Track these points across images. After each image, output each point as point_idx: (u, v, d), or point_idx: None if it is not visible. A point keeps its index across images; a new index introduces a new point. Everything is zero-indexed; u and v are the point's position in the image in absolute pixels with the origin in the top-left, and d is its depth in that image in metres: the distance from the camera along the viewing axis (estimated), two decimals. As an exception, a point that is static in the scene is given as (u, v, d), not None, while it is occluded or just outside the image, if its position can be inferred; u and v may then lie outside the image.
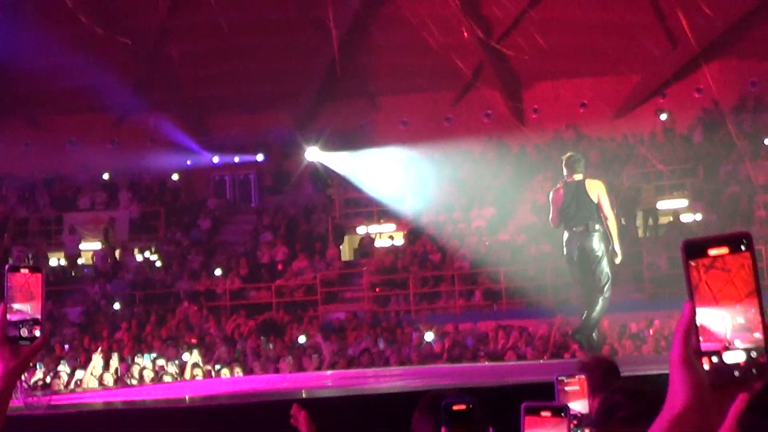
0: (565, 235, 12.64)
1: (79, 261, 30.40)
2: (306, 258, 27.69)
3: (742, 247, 1.83)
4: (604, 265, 12.44)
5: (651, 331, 21.01)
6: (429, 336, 22.67)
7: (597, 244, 12.38)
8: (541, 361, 18.89)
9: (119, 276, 28.42)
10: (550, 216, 12.87)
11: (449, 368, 17.64)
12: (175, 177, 32.47)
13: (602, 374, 5.54)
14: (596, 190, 12.46)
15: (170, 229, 30.65)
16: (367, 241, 29.14)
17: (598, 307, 12.50)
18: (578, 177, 12.60)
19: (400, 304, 26.04)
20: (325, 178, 30.75)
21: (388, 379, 13.76)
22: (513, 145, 30.26)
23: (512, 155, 29.90)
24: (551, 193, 12.89)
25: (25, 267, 2.81)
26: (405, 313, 25.46)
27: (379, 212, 29.63)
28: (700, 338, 1.82)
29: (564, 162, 12.86)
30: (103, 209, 31.57)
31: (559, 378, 4.03)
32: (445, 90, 30.22)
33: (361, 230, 29.72)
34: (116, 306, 27.09)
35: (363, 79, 30.39)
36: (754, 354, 1.80)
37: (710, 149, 27.88)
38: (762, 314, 1.80)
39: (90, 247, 30.59)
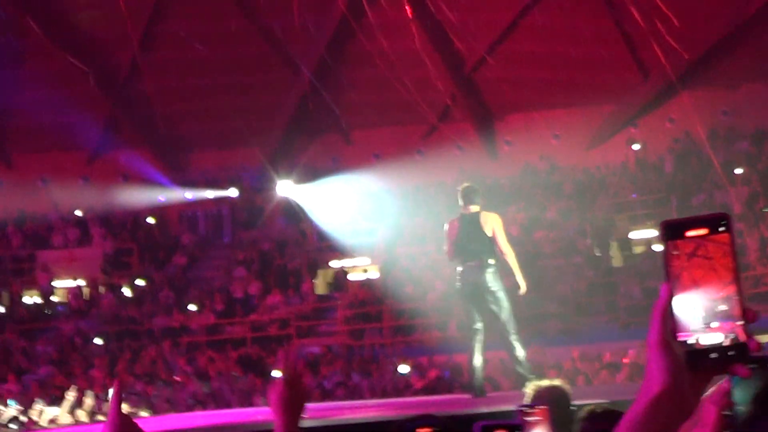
0: (459, 268, 12.37)
1: (53, 298, 30.26)
2: (280, 292, 27.69)
3: (722, 228, 1.83)
4: (503, 299, 12.20)
5: (626, 360, 21.09)
6: (404, 369, 22.69)
7: (492, 280, 12.16)
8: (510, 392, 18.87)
9: (93, 313, 28.32)
10: (445, 248, 12.56)
11: (423, 399, 17.67)
12: (151, 220, 32.39)
13: (555, 405, 5.55)
14: (492, 223, 12.24)
15: (144, 265, 30.60)
16: (341, 274, 29.15)
17: (517, 349, 12.22)
18: (474, 209, 12.38)
19: (375, 337, 26.05)
20: (298, 212, 30.77)
21: (363, 411, 13.78)
22: (486, 176, 30.34)
23: (486, 187, 29.92)
24: (446, 224, 12.58)
25: None
26: (380, 347, 25.47)
27: (353, 246, 29.65)
28: (678, 321, 1.84)
29: (460, 193, 12.59)
30: (76, 246, 31.50)
31: (520, 408, 4.08)
32: (417, 123, 30.35)
33: (335, 264, 29.73)
34: (95, 341, 26.99)
35: (334, 114, 30.48)
36: (732, 336, 1.80)
37: (683, 179, 28.10)
38: (741, 299, 1.81)
39: (63, 285, 30.48)
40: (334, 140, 31.95)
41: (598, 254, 27.06)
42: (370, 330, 26.34)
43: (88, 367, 25.08)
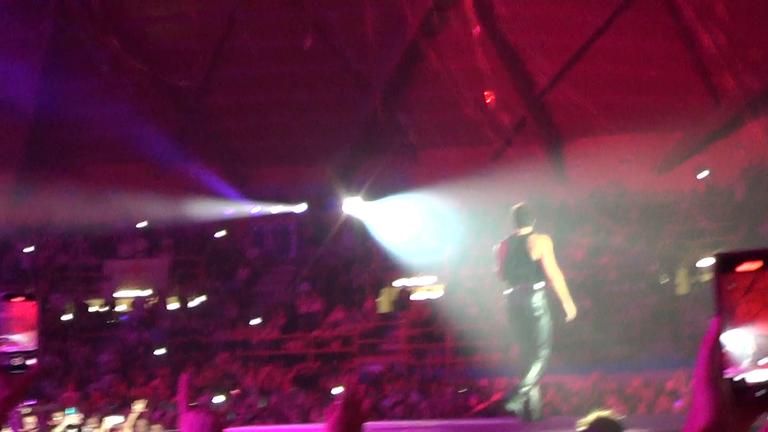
0: (506, 291, 12.28)
1: (118, 308, 30.56)
2: (343, 309, 27.71)
3: None
4: (543, 325, 12.07)
5: (687, 389, 20.81)
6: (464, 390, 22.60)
7: (537, 303, 12.03)
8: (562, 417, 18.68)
9: (157, 324, 28.54)
10: (496, 269, 12.44)
11: (479, 423, 17.57)
12: (218, 234, 32.63)
13: None
14: (540, 247, 12.08)
15: (209, 278, 30.79)
16: (405, 293, 29.11)
17: (533, 372, 12.06)
18: (525, 231, 12.23)
19: (437, 357, 25.97)
20: (364, 230, 30.78)
21: (422, 431, 13.74)
22: (554, 200, 30.19)
23: (553, 210, 29.80)
24: (498, 245, 12.48)
25: (20, 294, 2.80)
26: (441, 367, 25.38)
27: (418, 265, 29.58)
28: (727, 356, 1.81)
29: (512, 213, 12.45)
30: (144, 257, 31.81)
31: None
32: (486, 144, 30.24)
33: (399, 283, 29.69)
34: (157, 352, 27.21)
35: (403, 133, 30.50)
36: None
37: (753, 207, 27.72)
38: None
39: (129, 294, 30.78)
40: (402, 159, 31.93)
41: (664, 281, 26.76)
42: (431, 350, 26.27)
43: (150, 377, 25.27)
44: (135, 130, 29.51)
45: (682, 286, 27.20)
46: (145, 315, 29.12)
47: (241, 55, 28.97)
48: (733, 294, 1.80)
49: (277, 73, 28.94)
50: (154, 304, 29.80)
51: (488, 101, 27.36)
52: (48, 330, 27.90)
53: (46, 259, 31.74)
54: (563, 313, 12.15)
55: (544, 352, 11.99)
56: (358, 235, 31.21)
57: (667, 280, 26.80)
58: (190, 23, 25.49)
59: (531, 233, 12.20)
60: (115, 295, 30.67)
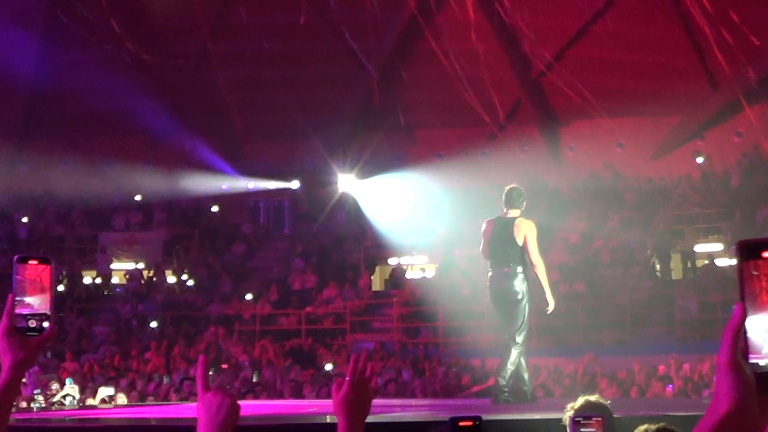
0: (489, 273, 12.24)
1: (112, 280, 30.60)
2: (336, 286, 27.75)
3: None
4: (522, 309, 11.95)
5: (679, 374, 20.90)
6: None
7: (518, 287, 11.93)
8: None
9: (151, 297, 28.58)
10: (481, 247, 12.34)
11: (474, 401, 17.62)
12: (215, 209, 32.64)
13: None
14: (524, 231, 11.96)
15: (203, 252, 30.82)
16: (398, 272, 29.15)
17: (512, 358, 11.92)
18: (513, 214, 12.15)
19: (429, 337, 26.03)
20: (358, 207, 30.79)
21: (414, 409, 13.77)
22: (549, 182, 30.23)
23: (547, 192, 29.85)
24: (484, 223, 12.42)
25: (34, 258, 2.81)
26: (434, 346, 25.44)
27: (411, 244, 29.62)
28: (750, 342, 1.83)
29: (504, 194, 12.38)
30: (138, 230, 31.82)
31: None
32: (482, 125, 30.23)
33: (393, 261, 29.74)
34: (151, 325, 27.25)
35: (399, 112, 30.46)
36: None
37: (748, 194, 27.77)
38: None
39: (123, 267, 30.80)
40: (398, 138, 31.91)
41: (657, 266, 26.84)
42: (424, 329, 26.33)
43: (144, 349, 25.32)
44: (132, 103, 29.42)
45: (676, 271, 27.31)
46: (139, 288, 29.13)
47: (238, 30, 28.90)
48: (756, 281, 1.82)
49: (275, 48, 28.81)
50: (149, 277, 29.81)
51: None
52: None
53: (42, 229, 31.72)
54: (545, 302, 12.01)
55: (521, 336, 11.91)
56: (351, 213, 31.24)
57: (660, 265, 26.87)
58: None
59: (518, 216, 12.05)
60: (110, 267, 30.68)
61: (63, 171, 31.81)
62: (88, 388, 19.81)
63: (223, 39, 29.36)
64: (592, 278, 26.27)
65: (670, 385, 20.32)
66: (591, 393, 6.17)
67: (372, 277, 29.26)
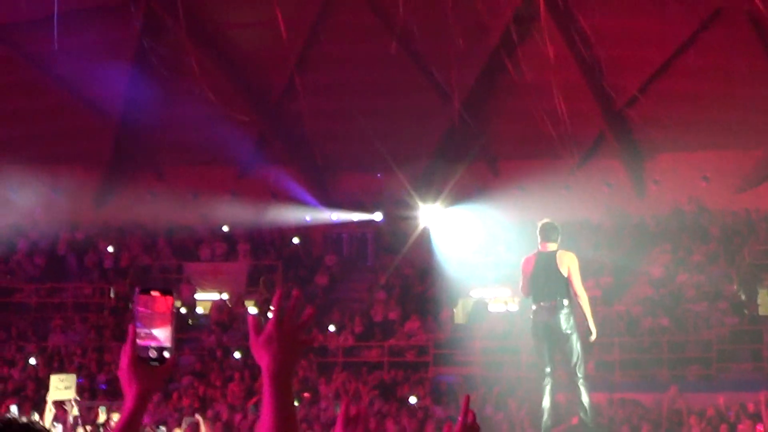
0: (533, 307, 12.11)
1: (197, 310, 30.78)
2: (419, 319, 27.66)
3: None
4: (574, 343, 11.91)
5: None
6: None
7: (565, 321, 11.85)
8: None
9: (234, 327, 28.68)
10: (520, 284, 12.28)
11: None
12: (296, 240, 32.73)
13: None
14: (567, 263, 11.93)
15: (287, 283, 30.88)
16: (481, 305, 28.99)
17: (583, 395, 11.96)
18: (552, 247, 12.12)
19: (512, 371, 25.81)
20: (441, 240, 30.67)
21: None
22: (632, 216, 29.93)
23: (631, 226, 29.58)
24: (523, 260, 12.34)
25: (155, 290, 2.90)
26: (516, 380, 25.23)
27: (495, 277, 29.44)
28: None
29: (539, 229, 12.32)
30: (222, 260, 32.00)
31: None
32: (565, 157, 30.06)
33: (475, 294, 29.57)
34: (235, 355, 27.31)
35: (482, 143, 30.41)
36: None
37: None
38: None
39: (208, 297, 30.97)
40: (481, 170, 31.80)
41: (744, 301, 26.42)
42: (506, 362, 26.13)
43: (228, 380, 25.41)
44: (219, 134, 29.66)
45: (763, 306, 26.85)
46: (224, 318, 29.25)
47: (323, 61, 29.06)
48: None
49: (359, 79, 28.96)
50: (232, 308, 29.93)
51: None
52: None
53: (128, 259, 32.03)
54: (588, 332, 11.89)
55: (581, 370, 11.82)
56: (434, 245, 31.13)
57: (746, 300, 26.45)
58: (275, 28, 25.61)
59: (558, 249, 11.98)
60: (194, 296, 30.84)
61: (149, 201, 32.11)
62: (173, 418, 19.97)
63: (308, 69, 29.49)
64: (676, 313, 25.96)
65: (761, 424, 19.93)
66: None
67: (455, 310, 29.12)
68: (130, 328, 2.84)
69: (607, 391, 23.41)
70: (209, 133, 30.18)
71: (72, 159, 31.95)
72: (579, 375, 11.89)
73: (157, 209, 31.84)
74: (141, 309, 2.85)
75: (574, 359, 11.88)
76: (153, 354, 2.85)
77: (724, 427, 19.82)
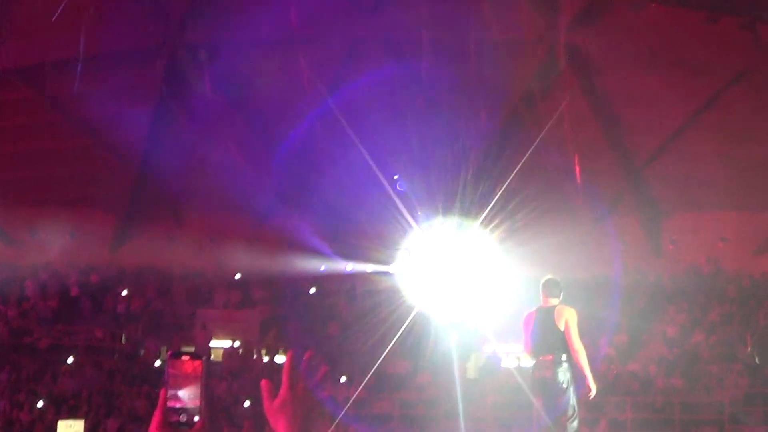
0: (532, 362, 12.10)
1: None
2: (430, 373, 27.49)
3: None
4: (570, 397, 11.78)
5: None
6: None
7: (562, 375, 11.77)
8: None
9: (245, 375, 28.56)
10: (523, 341, 12.26)
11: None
12: (312, 290, 32.64)
13: None
14: (565, 316, 11.87)
15: (300, 333, 30.74)
16: (493, 360, 28.79)
17: None
18: (553, 302, 12.08)
19: (524, 428, 25.56)
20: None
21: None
22: (648, 274, 29.76)
23: (647, 284, 29.41)
24: (524, 317, 12.33)
25: (186, 354, 2.89)
26: (527, 437, 25.02)
27: (507, 331, 29.23)
28: None
29: (541, 285, 12.32)
30: (236, 308, 31.91)
31: None
32: (582, 214, 29.90)
33: (488, 348, 29.38)
34: (245, 404, 27.19)
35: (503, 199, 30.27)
36: None
37: None
38: None
39: (220, 345, 30.86)
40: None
41: (758, 363, 26.16)
42: (519, 419, 25.89)
43: (238, 429, 25.24)
44: (238, 182, 29.70)
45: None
46: (235, 366, 29.14)
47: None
48: None
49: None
50: (243, 355, 29.83)
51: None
52: (141, 375, 28.13)
53: (142, 304, 32.00)
54: (587, 389, 11.79)
55: (574, 425, 11.66)
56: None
57: (760, 362, 26.21)
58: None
59: (558, 304, 11.98)
60: (209, 344, 30.72)
61: (165, 246, 32.13)
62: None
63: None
64: (690, 373, 25.72)
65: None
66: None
67: (467, 365, 28.92)
68: (161, 392, 2.85)
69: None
70: (229, 181, 30.19)
71: (90, 202, 32.08)
72: (569, 429, 11.71)
73: (174, 255, 31.83)
74: (172, 372, 2.87)
75: (568, 414, 11.72)
76: (183, 418, 2.84)
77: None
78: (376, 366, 28.40)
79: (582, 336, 27.32)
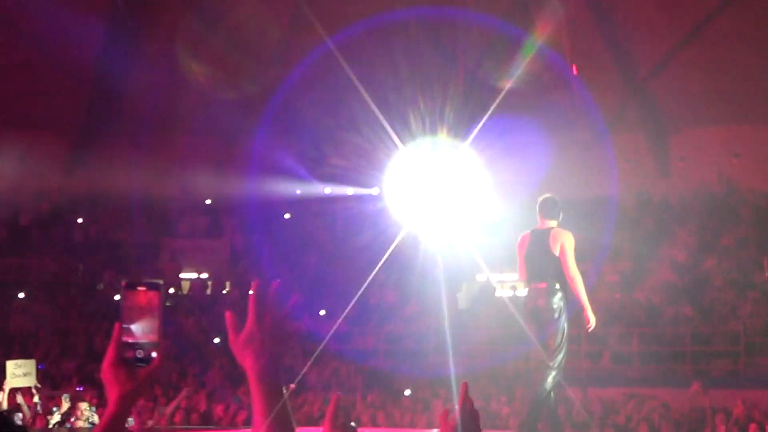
0: (526, 290, 12.12)
1: (175, 291, 30.58)
2: (418, 303, 27.46)
3: None
4: (559, 329, 11.69)
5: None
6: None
7: (555, 303, 11.67)
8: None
9: (215, 310, 28.48)
10: (518, 265, 12.17)
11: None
12: (287, 216, 32.48)
13: None
14: (561, 240, 11.75)
15: (274, 263, 30.61)
16: (487, 289, 28.78)
17: (545, 385, 11.68)
18: (550, 224, 11.99)
19: (520, 363, 25.59)
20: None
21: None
22: (655, 195, 29.72)
23: (653, 206, 29.39)
24: (518, 239, 12.22)
25: (142, 284, 2.89)
26: (525, 372, 25.02)
27: (502, 258, 29.20)
28: None
29: (538, 205, 12.21)
30: (204, 237, 31.75)
31: None
32: (581, 130, 29.82)
33: (481, 277, 29.36)
34: (215, 341, 27.14)
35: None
36: None
37: None
38: None
39: (187, 276, 30.76)
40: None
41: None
42: (515, 353, 25.89)
43: (207, 366, 25.18)
44: (202, 99, 29.39)
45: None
46: (204, 300, 29.06)
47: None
48: None
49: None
50: (214, 289, 29.76)
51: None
52: (99, 310, 27.97)
53: (99, 233, 31.77)
54: (585, 320, 11.75)
55: (557, 359, 11.64)
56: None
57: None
58: None
59: (554, 227, 11.88)
60: (179, 276, 30.60)
61: (124, 171, 31.85)
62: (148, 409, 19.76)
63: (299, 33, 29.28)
64: (701, 302, 25.77)
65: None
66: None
67: (458, 295, 28.91)
68: (115, 326, 2.85)
69: (624, 386, 23.27)
70: (193, 98, 29.89)
71: (41, 123, 31.69)
72: (551, 364, 11.62)
73: (133, 180, 31.59)
74: (127, 304, 2.86)
75: (553, 345, 11.63)
76: (140, 354, 2.84)
77: (752, 427, 19.58)
78: (357, 297, 28.39)
79: (582, 262, 27.28)
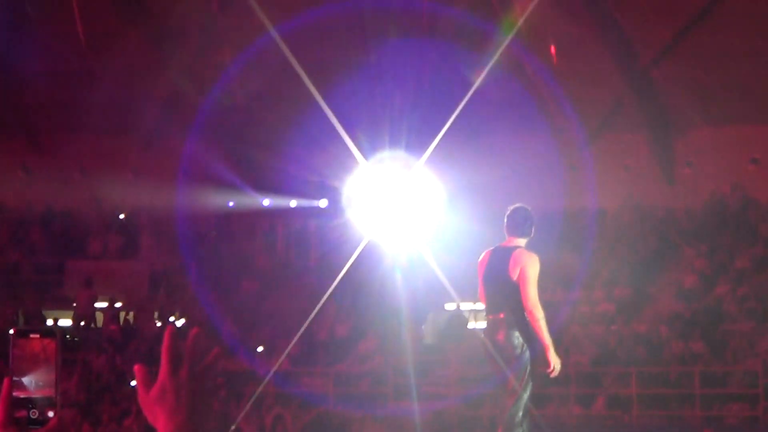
0: (483, 323, 12.19)
1: (83, 322, 30.50)
2: (375, 337, 27.49)
3: None
4: (523, 367, 11.76)
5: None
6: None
7: (515, 337, 11.70)
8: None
9: (132, 346, 28.41)
10: (478, 291, 12.21)
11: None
12: (215, 234, 32.56)
13: None
14: (521, 265, 11.69)
15: (202, 290, 30.63)
16: (458, 321, 28.82)
17: (513, 417, 11.81)
18: (518, 242, 11.93)
19: (497, 408, 25.58)
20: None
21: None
22: (658, 207, 29.88)
23: (656, 220, 29.55)
24: (481, 255, 12.23)
25: (35, 332, 2.90)
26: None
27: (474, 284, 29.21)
28: None
29: (506, 217, 12.15)
30: (118, 258, 31.66)
31: None
32: (572, 130, 30.01)
33: (450, 307, 29.41)
34: (132, 383, 27.05)
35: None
36: None
37: None
38: None
39: (98, 306, 30.71)
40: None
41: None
42: (491, 396, 25.92)
43: (122, 415, 25.10)
44: (114, 93, 29.34)
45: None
46: (118, 334, 28.96)
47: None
48: None
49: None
50: (129, 321, 29.69)
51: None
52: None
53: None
54: (545, 364, 11.80)
55: (524, 396, 11.81)
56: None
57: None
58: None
59: (519, 246, 11.82)
60: (94, 306, 30.47)
61: (21, 179, 31.79)
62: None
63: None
64: (712, 335, 25.91)
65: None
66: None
67: (423, 327, 28.95)
68: (5, 381, 2.85)
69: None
70: (106, 94, 29.81)
71: None
72: (516, 412, 11.86)
73: (32, 190, 31.55)
74: (17, 354, 2.87)
75: (516, 386, 11.74)
76: (34, 414, 2.84)
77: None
78: (303, 330, 28.35)
79: (567, 288, 27.32)
